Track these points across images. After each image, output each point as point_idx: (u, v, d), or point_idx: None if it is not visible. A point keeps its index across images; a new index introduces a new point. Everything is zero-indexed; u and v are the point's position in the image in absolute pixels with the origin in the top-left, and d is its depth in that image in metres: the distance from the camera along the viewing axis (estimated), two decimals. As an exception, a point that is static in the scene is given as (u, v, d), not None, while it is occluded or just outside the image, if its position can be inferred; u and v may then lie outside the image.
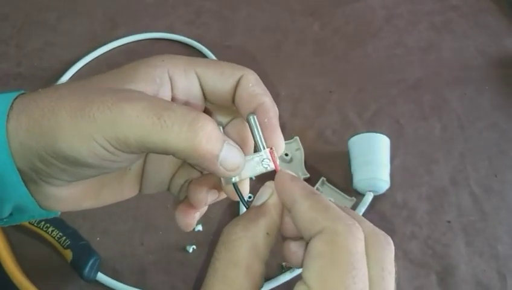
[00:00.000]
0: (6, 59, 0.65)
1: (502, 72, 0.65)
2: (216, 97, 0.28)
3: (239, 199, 0.28)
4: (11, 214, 0.28)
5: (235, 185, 0.27)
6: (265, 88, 0.28)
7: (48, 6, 0.70)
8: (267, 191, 0.26)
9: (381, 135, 0.54)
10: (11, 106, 0.24)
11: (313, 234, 0.23)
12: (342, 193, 0.54)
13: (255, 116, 0.26)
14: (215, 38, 0.67)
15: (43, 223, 0.48)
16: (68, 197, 0.28)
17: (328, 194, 0.54)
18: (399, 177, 0.55)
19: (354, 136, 0.55)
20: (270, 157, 0.27)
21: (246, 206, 0.27)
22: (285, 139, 0.57)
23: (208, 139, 0.24)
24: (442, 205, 0.54)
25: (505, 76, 0.65)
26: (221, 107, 0.29)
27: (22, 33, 0.68)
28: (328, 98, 0.62)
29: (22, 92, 0.25)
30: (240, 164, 0.26)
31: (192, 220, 0.30)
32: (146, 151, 0.25)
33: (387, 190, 0.53)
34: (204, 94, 0.28)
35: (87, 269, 0.46)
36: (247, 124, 0.27)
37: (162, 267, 0.49)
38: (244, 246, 0.24)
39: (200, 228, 0.51)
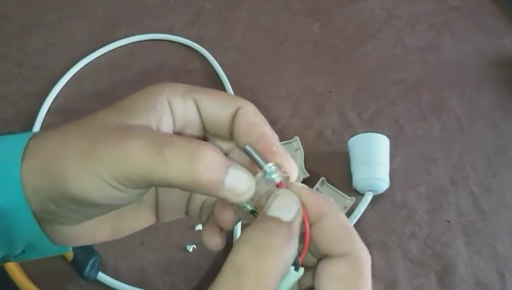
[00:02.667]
0: (7, 59, 0.65)
1: (501, 72, 0.65)
2: (213, 126, 0.28)
3: None
4: (23, 251, 0.28)
5: (254, 214, 0.26)
6: (263, 117, 0.28)
7: (49, 7, 0.70)
8: (294, 207, 0.25)
9: (381, 135, 0.54)
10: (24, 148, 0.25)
11: (334, 254, 0.24)
12: (342, 193, 0.54)
13: (250, 146, 0.26)
14: (215, 39, 0.67)
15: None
16: (82, 233, 0.29)
17: (327, 194, 0.54)
18: (398, 177, 0.55)
19: (353, 136, 0.55)
20: (274, 170, 0.25)
21: None
22: (285, 139, 0.57)
23: (209, 168, 0.24)
24: (441, 205, 0.54)
25: (505, 76, 0.65)
26: (220, 137, 0.29)
27: (23, 33, 0.68)
28: (328, 98, 0.62)
29: (32, 134, 0.26)
30: (250, 186, 0.25)
31: (221, 238, 0.29)
32: (153, 186, 0.25)
33: (386, 190, 0.53)
34: (202, 122, 0.28)
35: (87, 268, 0.46)
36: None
37: (162, 267, 0.49)
38: (276, 273, 0.23)
39: (200, 227, 0.52)
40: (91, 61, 0.65)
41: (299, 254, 0.24)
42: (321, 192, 0.54)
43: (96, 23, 0.69)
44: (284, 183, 0.26)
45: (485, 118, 0.61)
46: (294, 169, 0.27)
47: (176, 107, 0.27)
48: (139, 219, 0.31)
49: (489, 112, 0.62)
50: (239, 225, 0.51)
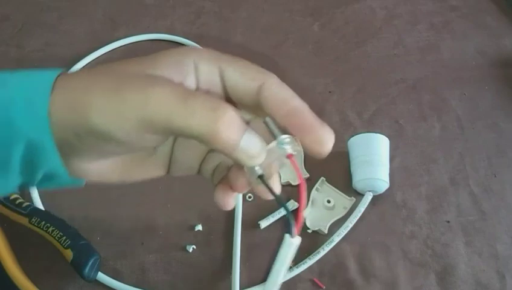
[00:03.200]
0: (7, 59, 0.65)
1: (501, 72, 0.65)
2: (237, 97, 0.28)
3: (269, 195, 0.28)
4: (39, 180, 0.29)
5: (262, 178, 0.27)
6: (291, 91, 0.28)
7: (49, 7, 0.70)
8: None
9: (381, 135, 0.54)
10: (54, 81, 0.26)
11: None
12: (342, 193, 0.54)
13: (269, 118, 0.27)
14: (215, 39, 0.67)
15: (43, 223, 0.48)
16: (97, 170, 0.30)
17: (327, 194, 0.54)
18: (398, 177, 0.55)
19: (353, 136, 0.55)
20: (288, 142, 0.26)
21: (280, 204, 0.27)
22: (285, 139, 0.57)
23: (228, 125, 0.24)
24: (441, 205, 0.54)
25: (505, 76, 0.65)
26: (242, 107, 0.29)
27: (23, 33, 0.68)
28: (328, 98, 0.62)
29: (60, 71, 0.27)
30: (261, 151, 0.26)
31: (232, 199, 0.30)
32: (171, 135, 0.26)
33: (386, 190, 0.53)
34: (225, 92, 0.29)
35: (87, 268, 0.46)
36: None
37: (162, 267, 0.49)
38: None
39: (200, 227, 0.52)
40: (91, 61, 0.65)
41: (293, 223, 0.26)
42: (321, 192, 0.54)
43: (96, 23, 0.69)
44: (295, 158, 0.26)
45: (485, 118, 0.61)
46: (331, 138, 0.27)
47: (201, 72, 0.28)
48: (151, 168, 0.32)
49: (490, 112, 0.62)
50: (239, 228, 0.51)
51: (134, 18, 0.69)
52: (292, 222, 0.26)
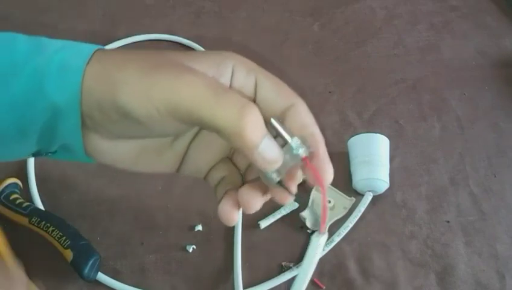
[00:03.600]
0: (6, 59, 0.65)
1: (501, 72, 0.65)
2: (264, 110, 0.29)
3: (286, 199, 0.29)
4: (55, 151, 0.30)
5: (281, 183, 0.28)
6: (314, 119, 0.29)
7: (49, 7, 0.70)
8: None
9: (381, 135, 0.54)
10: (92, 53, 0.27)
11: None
12: (342, 193, 0.54)
13: (276, 119, 0.27)
14: (215, 39, 0.67)
15: (43, 223, 0.48)
16: (111, 152, 0.30)
17: (328, 194, 0.54)
18: (398, 177, 0.55)
19: (353, 136, 0.55)
20: (300, 145, 0.27)
21: (296, 200, 0.29)
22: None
23: (253, 126, 0.25)
24: (441, 205, 0.54)
25: (505, 76, 0.65)
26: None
27: (23, 33, 0.68)
28: (328, 98, 0.62)
29: (98, 47, 0.28)
30: (278, 157, 0.26)
31: (237, 216, 0.30)
32: (195, 125, 0.26)
33: (386, 190, 0.53)
34: (254, 100, 0.29)
35: (87, 268, 0.46)
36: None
37: (162, 267, 0.49)
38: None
39: (199, 228, 0.52)
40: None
41: (321, 220, 0.28)
42: (321, 192, 0.54)
43: (96, 23, 0.69)
44: (308, 158, 0.27)
45: (485, 118, 0.61)
46: (330, 174, 0.29)
47: (236, 77, 0.29)
48: (163, 162, 0.32)
49: (489, 112, 0.62)
50: (239, 228, 0.51)
51: (134, 18, 0.69)
52: (320, 220, 0.29)
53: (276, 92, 0.29)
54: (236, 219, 0.30)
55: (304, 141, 0.27)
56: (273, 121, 0.27)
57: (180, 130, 0.30)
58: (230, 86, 0.29)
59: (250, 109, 0.25)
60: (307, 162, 0.27)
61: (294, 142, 0.27)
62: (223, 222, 0.30)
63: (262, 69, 0.30)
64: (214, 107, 0.25)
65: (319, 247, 0.29)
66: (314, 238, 0.29)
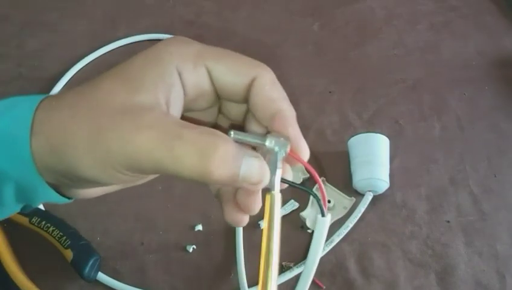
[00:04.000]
0: (6, 59, 0.65)
1: (501, 72, 0.65)
2: (227, 94, 0.27)
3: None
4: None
5: (284, 181, 0.27)
6: (282, 89, 0.27)
7: (48, 7, 0.70)
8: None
9: (381, 135, 0.54)
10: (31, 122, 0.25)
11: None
12: (342, 193, 0.54)
13: (235, 132, 0.25)
14: (215, 39, 0.67)
15: (43, 223, 0.48)
16: (100, 190, 0.30)
17: (328, 194, 0.54)
18: (398, 177, 0.55)
19: (353, 136, 0.55)
20: (278, 149, 0.25)
21: (305, 191, 0.29)
22: (285, 140, 0.57)
23: (222, 164, 0.23)
24: (441, 205, 0.54)
25: (505, 76, 0.65)
26: (234, 102, 0.28)
27: (23, 34, 0.68)
28: (328, 98, 0.62)
29: (37, 103, 0.25)
30: (264, 175, 0.25)
31: (245, 218, 0.29)
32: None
33: (386, 190, 0.53)
34: (215, 90, 0.27)
35: (87, 268, 0.46)
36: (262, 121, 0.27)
37: (162, 267, 0.49)
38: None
39: (200, 228, 0.52)
40: (91, 61, 0.65)
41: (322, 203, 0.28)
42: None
43: (96, 23, 0.69)
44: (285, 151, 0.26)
45: (485, 118, 0.61)
46: (306, 153, 0.27)
47: (186, 77, 0.26)
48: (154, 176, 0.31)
49: (489, 112, 0.62)
50: (240, 230, 0.51)
51: (134, 18, 0.69)
52: (321, 202, 0.28)
53: (232, 72, 0.26)
54: (245, 220, 0.29)
55: (277, 138, 0.25)
56: (234, 136, 0.25)
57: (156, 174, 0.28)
58: (185, 90, 0.26)
59: (210, 149, 0.23)
60: (293, 157, 0.26)
61: (268, 144, 0.25)
62: (233, 225, 0.29)
63: (208, 51, 0.27)
64: (174, 163, 0.23)
65: (324, 225, 0.28)
66: (319, 218, 0.28)
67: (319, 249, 0.29)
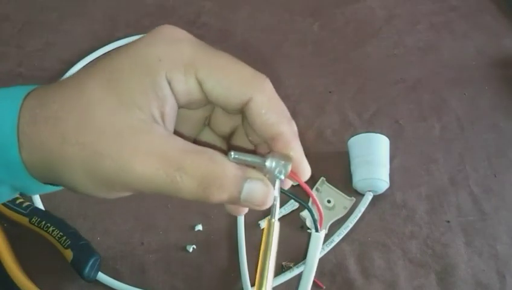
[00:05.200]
0: (7, 59, 0.65)
1: (501, 72, 0.65)
2: (220, 106, 0.27)
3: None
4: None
5: (285, 192, 0.27)
6: (280, 104, 0.26)
7: (49, 7, 0.70)
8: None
9: (381, 135, 0.54)
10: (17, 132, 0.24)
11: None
12: (342, 193, 0.54)
13: (235, 153, 0.25)
14: (215, 39, 0.67)
15: (43, 223, 0.48)
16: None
17: (327, 194, 0.54)
18: (398, 177, 0.55)
19: (353, 136, 0.55)
20: (279, 171, 0.25)
21: (304, 206, 0.31)
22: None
23: (221, 191, 0.23)
24: (441, 205, 0.54)
25: (505, 76, 0.65)
26: (228, 112, 0.28)
27: (23, 33, 0.68)
28: (328, 98, 0.62)
29: (17, 111, 0.25)
30: (268, 196, 0.25)
31: (243, 209, 0.29)
32: None
33: (386, 190, 0.53)
34: (208, 99, 0.26)
35: (87, 268, 0.46)
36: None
37: (162, 267, 0.49)
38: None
39: (200, 227, 0.52)
40: (91, 61, 0.65)
41: (317, 219, 0.29)
42: (321, 192, 0.54)
43: (96, 23, 0.69)
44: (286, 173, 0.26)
45: (485, 118, 0.61)
46: (307, 174, 0.27)
47: (176, 86, 0.25)
48: None
49: (489, 112, 0.62)
50: (242, 229, 0.51)
51: (134, 18, 0.69)
52: (316, 220, 0.29)
53: (224, 89, 0.25)
54: (245, 209, 0.29)
55: (277, 157, 0.25)
56: (233, 157, 0.24)
57: None
58: (177, 99, 0.25)
59: (210, 178, 0.23)
60: (294, 178, 0.26)
61: (269, 165, 0.25)
62: (233, 214, 0.29)
63: (200, 57, 0.25)
64: (175, 189, 0.23)
65: (318, 241, 0.30)
66: (313, 234, 0.29)
67: (314, 263, 0.31)
